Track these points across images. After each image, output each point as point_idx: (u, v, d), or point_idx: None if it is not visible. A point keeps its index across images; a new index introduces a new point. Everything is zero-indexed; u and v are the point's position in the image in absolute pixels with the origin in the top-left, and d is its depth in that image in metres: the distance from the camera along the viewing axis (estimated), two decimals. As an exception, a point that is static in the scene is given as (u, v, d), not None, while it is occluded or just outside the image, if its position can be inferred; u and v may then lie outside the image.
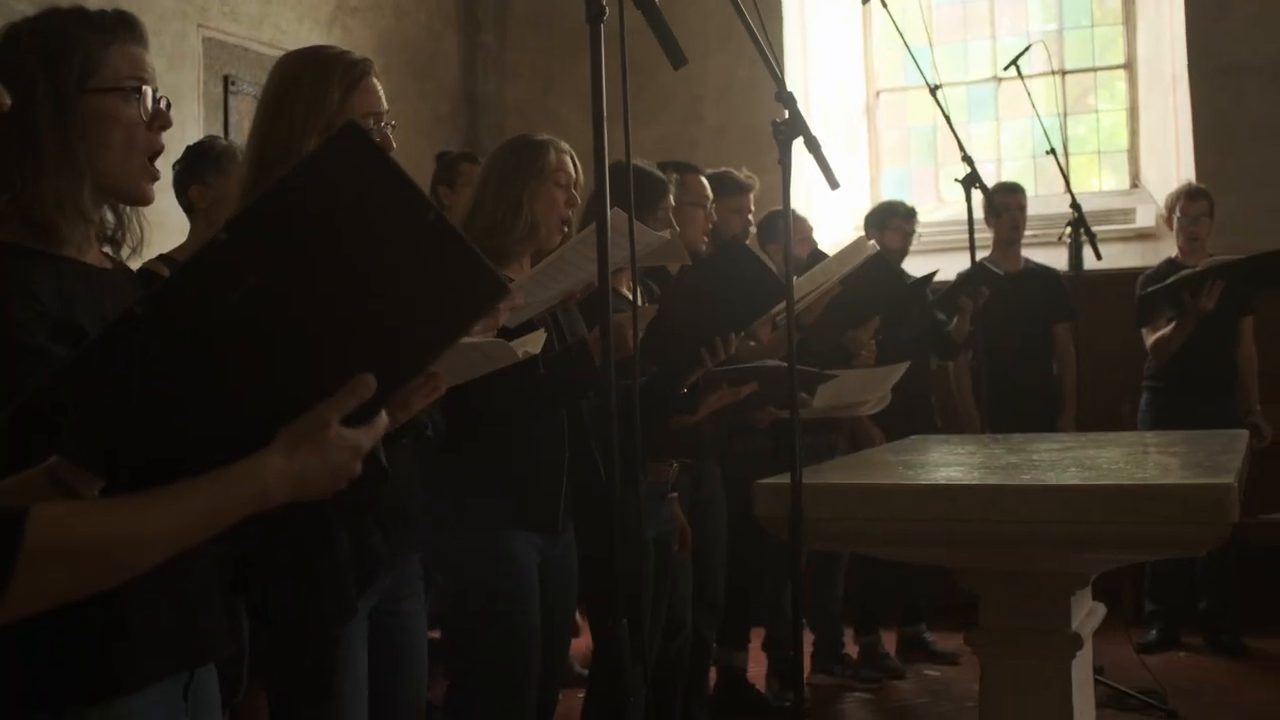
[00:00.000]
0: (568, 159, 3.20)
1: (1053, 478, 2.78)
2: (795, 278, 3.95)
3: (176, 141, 5.66)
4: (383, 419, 1.55)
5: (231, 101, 6.14)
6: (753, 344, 4.00)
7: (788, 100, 2.72)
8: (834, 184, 2.81)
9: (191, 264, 1.36)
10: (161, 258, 3.87)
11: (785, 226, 2.84)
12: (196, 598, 1.84)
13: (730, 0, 2.68)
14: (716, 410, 3.72)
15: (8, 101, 1.47)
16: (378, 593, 2.53)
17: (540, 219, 3.13)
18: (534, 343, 2.53)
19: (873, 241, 4.32)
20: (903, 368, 4.70)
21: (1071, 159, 7.76)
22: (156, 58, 6.00)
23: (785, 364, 3.85)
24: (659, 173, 3.88)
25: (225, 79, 6.11)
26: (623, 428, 2.10)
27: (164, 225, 3.84)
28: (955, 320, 5.80)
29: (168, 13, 5.79)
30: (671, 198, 3.87)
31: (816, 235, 5.99)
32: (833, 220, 7.46)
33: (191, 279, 1.37)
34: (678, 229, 3.87)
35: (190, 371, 1.38)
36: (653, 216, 3.69)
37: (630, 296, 3.66)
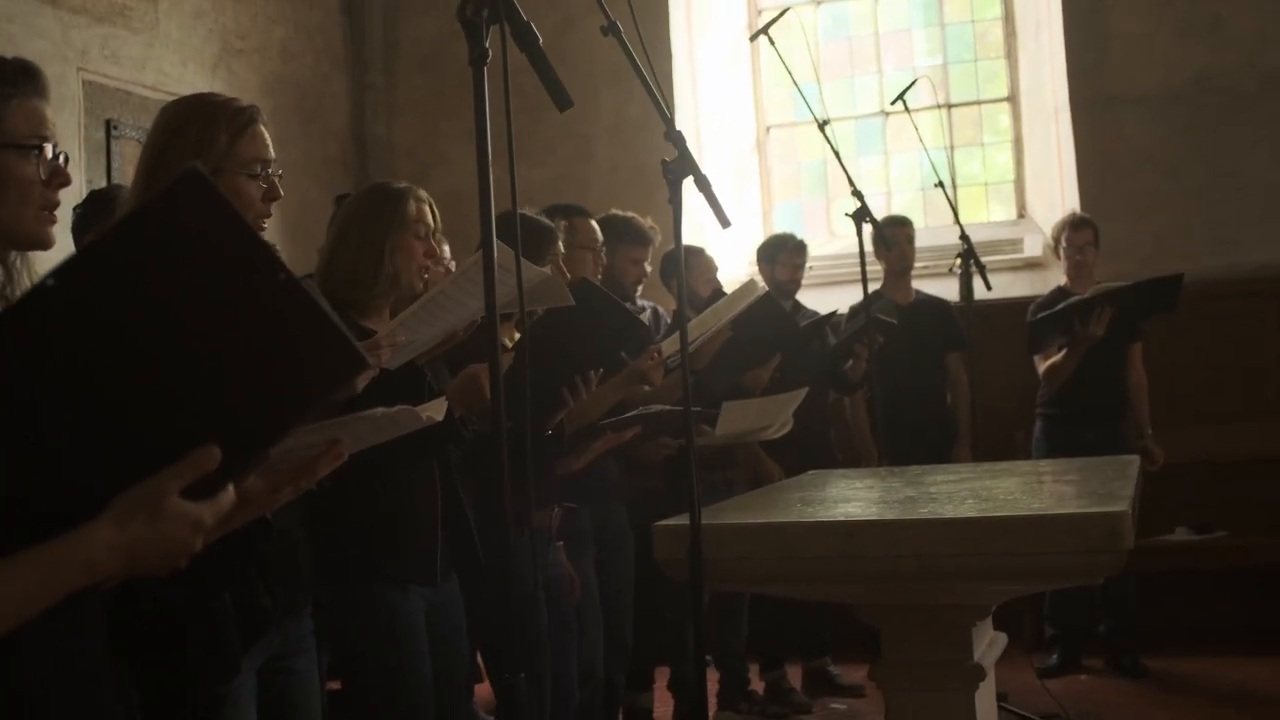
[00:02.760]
0: (426, 208, 3.15)
1: (950, 511, 2.79)
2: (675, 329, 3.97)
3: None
4: (229, 494, 1.44)
5: (114, 146, 6.01)
6: (647, 388, 3.98)
7: (677, 139, 2.71)
8: (725, 223, 2.80)
9: (14, 313, 1.27)
10: None
11: (678, 265, 2.82)
12: (90, 675, 1.75)
13: (618, 41, 2.68)
14: (611, 452, 3.70)
15: None
16: (265, 650, 2.46)
17: (401, 269, 3.08)
18: (437, 409, 2.48)
19: (762, 283, 4.32)
20: (801, 394, 4.71)
21: (960, 191, 7.88)
22: (34, 103, 5.77)
23: (670, 408, 3.86)
24: (547, 221, 3.85)
25: (107, 123, 5.97)
26: (499, 475, 2.07)
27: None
28: (851, 362, 5.82)
29: (45, 55, 5.65)
30: (561, 245, 3.85)
31: (710, 272, 6.00)
32: (727, 256, 7.48)
33: (13, 329, 1.26)
34: (567, 275, 3.85)
35: (12, 431, 1.28)
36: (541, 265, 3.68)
37: (509, 345, 3.64)
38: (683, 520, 2.79)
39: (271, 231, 7.22)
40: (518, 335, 3.73)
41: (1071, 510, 2.63)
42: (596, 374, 3.55)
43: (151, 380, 1.31)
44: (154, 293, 1.27)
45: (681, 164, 2.74)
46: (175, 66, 6.48)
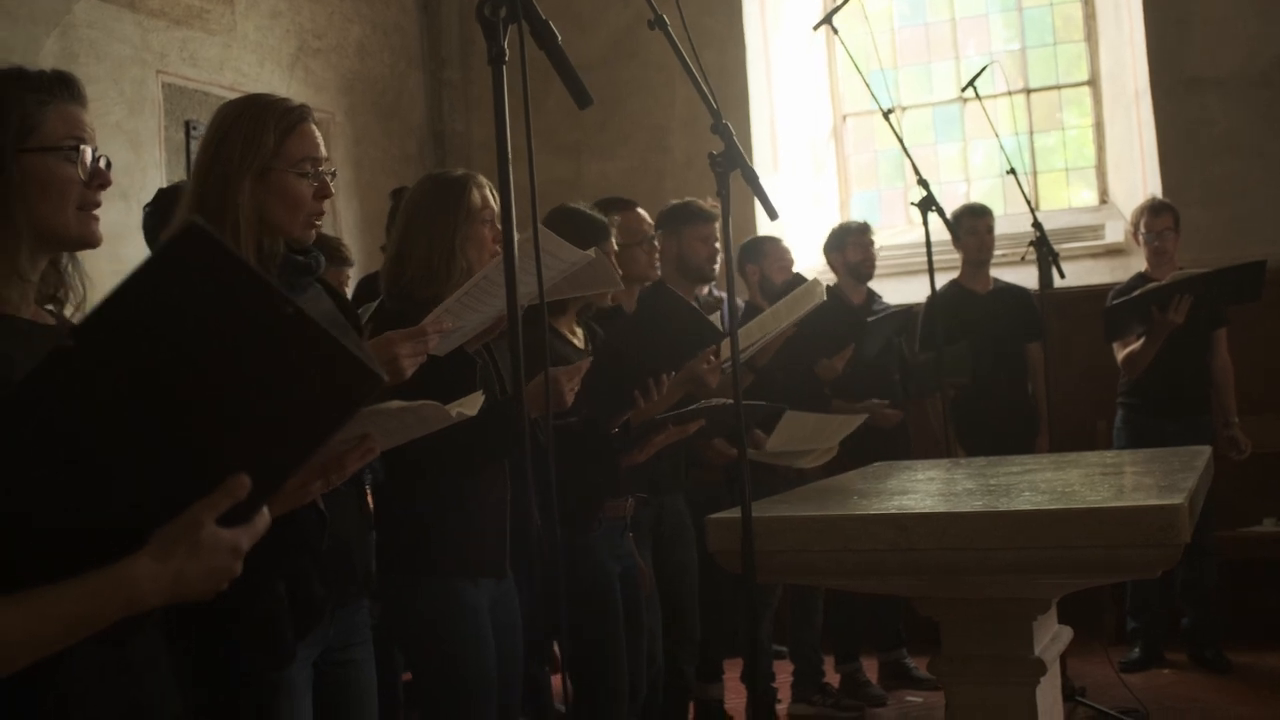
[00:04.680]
0: (488, 192, 3.17)
1: (1004, 504, 2.75)
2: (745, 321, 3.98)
3: (138, 187, 5.67)
4: (264, 518, 1.53)
5: (193, 146, 6.11)
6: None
7: (724, 132, 2.71)
8: (773, 214, 2.80)
9: (42, 372, 1.34)
10: None
11: (727, 261, 2.82)
12: (141, 663, 1.79)
13: (665, 34, 2.69)
14: (668, 445, 3.71)
15: None
16: (322, 640, 2.49)
17: (475, 261, 3.10)
18: (471, 404, 2.49)
19: (823, 287, 4.27)
20: (858, 420, 4.66)
21: (1041, 175, 7.79)
22: (115, 104, 5.93)
23: (731, 401, 3.86)
24: (599, 215, 3.86)
25: (187, 124, 6.09)
26: (555, 472, 2.09)
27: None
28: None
29: (126, 60, 5.78)
30: (614, 241, 3.86)
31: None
32: (805, 243, 7.46)
33: (42, 388, 1.34)
34: (619, 270, 3.86)
35: (53, 476, 1.36)
36: None
37: (571, 338, 3.65)
38: (735, 513, 2.79)
39: (349, 227, 7.31)
40: (578, 329, 3.75)
41: (1126, 503, 2.59)
42: (668, 376, 3.56)
43: (177, 422, 1.38)
44: (170, 341, 1.34)
45: (729, 157, 2.75)
46: (253, 67, 6.58)
